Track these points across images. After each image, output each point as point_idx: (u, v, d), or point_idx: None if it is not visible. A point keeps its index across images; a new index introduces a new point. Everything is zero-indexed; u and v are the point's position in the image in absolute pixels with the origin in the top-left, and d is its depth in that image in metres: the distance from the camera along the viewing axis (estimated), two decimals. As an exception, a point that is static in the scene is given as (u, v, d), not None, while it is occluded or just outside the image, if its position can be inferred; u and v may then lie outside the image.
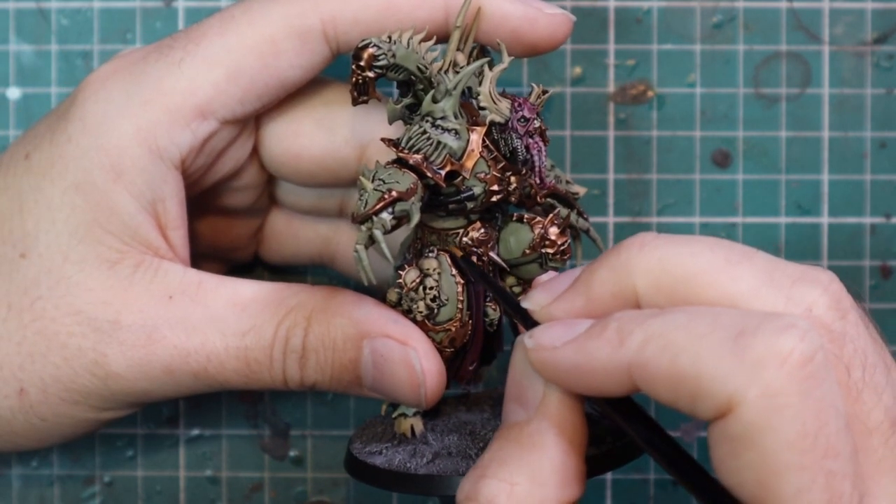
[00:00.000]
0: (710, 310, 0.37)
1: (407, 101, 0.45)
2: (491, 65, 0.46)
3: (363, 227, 0.43)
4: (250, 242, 0.55)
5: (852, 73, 0.57)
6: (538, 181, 0.45)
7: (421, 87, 0.45)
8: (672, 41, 0.58)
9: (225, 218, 0.54)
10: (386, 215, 0.43)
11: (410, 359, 0.45)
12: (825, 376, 0.35)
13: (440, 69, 0.45)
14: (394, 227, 0.43)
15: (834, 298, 0.38)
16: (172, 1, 0.58)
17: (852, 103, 0.57)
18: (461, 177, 0.44)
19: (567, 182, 0.50)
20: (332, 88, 0.50)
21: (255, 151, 0.51)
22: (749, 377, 0.35)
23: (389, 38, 0.44)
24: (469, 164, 0.44)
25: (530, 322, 0.42)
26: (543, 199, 0.48)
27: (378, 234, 0.43)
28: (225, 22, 0.47)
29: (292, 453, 0.58)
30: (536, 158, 0.45)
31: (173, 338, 0.46)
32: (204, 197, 0.52)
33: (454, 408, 0.50)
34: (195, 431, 0.58)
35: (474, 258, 0.46)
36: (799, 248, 0.58)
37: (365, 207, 0.43)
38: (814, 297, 0.38)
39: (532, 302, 0.42)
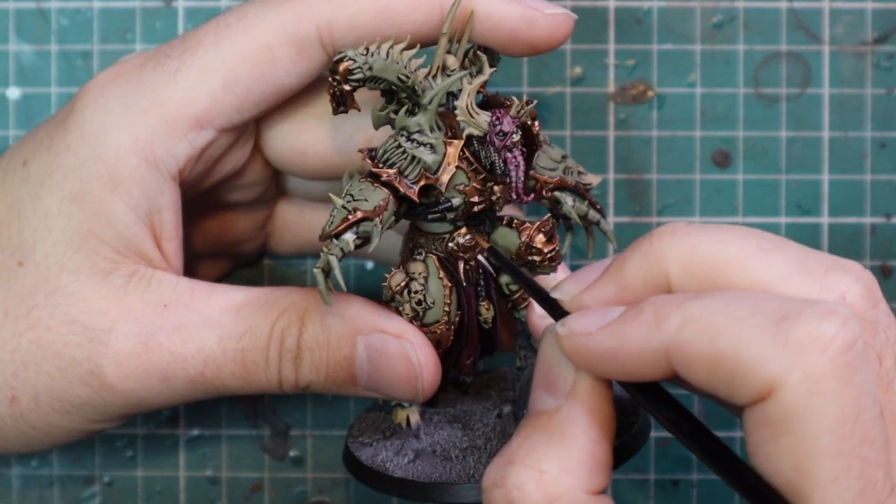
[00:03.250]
0: (750, 294, 0.37)
1: (392, 107, 0.45)
2: (493, 61, 0.46)
3: (324, 249, 0.43)
4: (259, 234, 0.55)
5: (852, 73, 0.57)
6: (515, 196, 0.44)
7: (404, 94, 0.44)
8: (672, 41, 0.58)
9: (231, 213, 0.54)
10: (349, 236, 0.43)
11: (407, 351, 0.45)
12: (864, 364, 0.35)
13: (428, 74, 0.44)
14: (357, 247, 0.43)
15: (866, 287, 0.39)
16: (172, 1, 0.58)
17: (852, 103, 0.57)
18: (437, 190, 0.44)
19: (579, 173, 0.49)
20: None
21: (258, 150, 0.51)
22: (791, 361, 0.35)
23: (367, 49, 0.44)
24: (445, 177, 0.44)
25: (559, 312, 0.42)
26: (549, 194, 0.47)
27: (333, 260, 0.43)
28: (220, 30, 0.47)
29: (292, 453, 0.58)
30: (514, 173, 0.44)
31: (169, 344, 0.46)
32: (208, 194, 0.52)
33: (458, 396, 0.50)
34: (195, 432, 0.58)
35: (461, 264, 0.46)
36: (799, 248, 0.57)
37: (329, 227, 0.43)
38: (847, 284, 0.38)
39: (562, 292, 0.42)
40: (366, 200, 0.43)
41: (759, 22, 0.57)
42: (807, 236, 0.57)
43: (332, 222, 0.43)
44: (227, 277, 0.57)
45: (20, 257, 0.47)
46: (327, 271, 0.43)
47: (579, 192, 0.49)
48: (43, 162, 0.47)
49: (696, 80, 0.58)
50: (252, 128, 0.50)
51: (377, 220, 0.43)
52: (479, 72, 0.46)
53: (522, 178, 0.44)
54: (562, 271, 0.47)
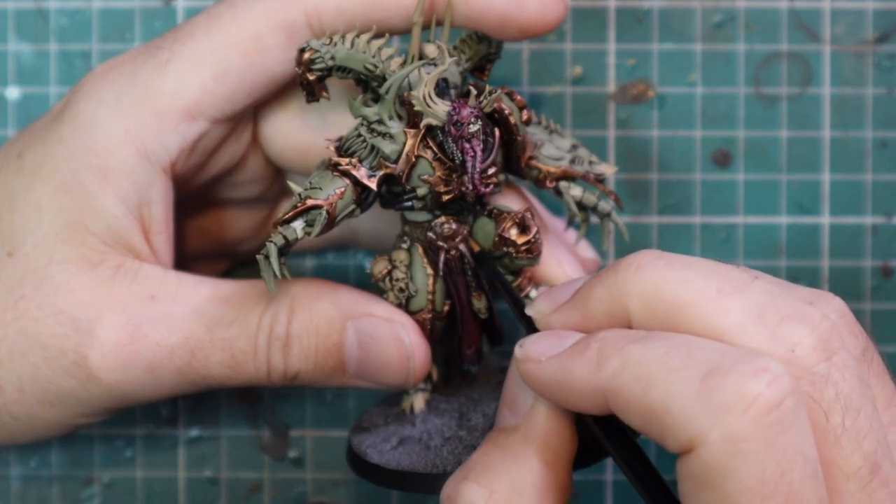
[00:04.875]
0: (689, 342, 0.37)
1: (367, 96, 0.45)
2: (498, 51, 0.46)
3: (272, 235, 0.43)
4: (260, 233, 0.55)
5: (853, 72, 0.57)
6: (470, 187, 0.44)
7: (376, 83, 0.44)
8: (672, 41, 0.58)
9: (232, 211, 0.54)
10: (298, 224, 0.43)
11: (398, 333, 0.46)
12: (793, 423, 0.35)
13: (404, 63, 0.44)
14: (307, 234, 0.43)
15: (821, 339, 0.38)
16: (172, 1, 0.58)
17: (853, 103, 0.57)
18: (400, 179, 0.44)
19: (591, 162, 0.48)
20: (329, 78, 0.50)
21: (258, 146, 0.51)
22: (712, 420, 0.35)
23: (331, 39, 0.44)
24: (405, 167, 0.44)
25: (532, 329, 0.42)
26: (553, 184, 0.47)
27: (272, 248, 0.43)
28: (210, 20, 0.47)
29: (292, 453, 0.58)
30: (469, 164, 0.43)
31: (156, 335, 0.46)
32: (208, 192, 0.52)
33: (469, 383, 0.50)
34: (194, 432, 0.58)
35: (441, 253, 0.46)
36: (799, 248, 0.57)
37: (282, 213, 0.43)
38: (799, 336, 0.38)
39: (535, 310, 0.42)
40: (320, 189, 0.43)
41: (759, 22, 0.57)
42: (807, 236, 0.57)
43: (285, 208, 0.43)
44: (225, 277, 0.57)
45: (10, 248, 0.47)
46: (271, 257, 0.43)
47: (589, 182, 0.48)
48: (37, 153, 0.47)
49: (696, 79, 0.57)
50: (248, 119, 0.50)
51: (325, 209, 0.43)
52: (469, 59, 0.46)
53: (479, 170, 0.44)
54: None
